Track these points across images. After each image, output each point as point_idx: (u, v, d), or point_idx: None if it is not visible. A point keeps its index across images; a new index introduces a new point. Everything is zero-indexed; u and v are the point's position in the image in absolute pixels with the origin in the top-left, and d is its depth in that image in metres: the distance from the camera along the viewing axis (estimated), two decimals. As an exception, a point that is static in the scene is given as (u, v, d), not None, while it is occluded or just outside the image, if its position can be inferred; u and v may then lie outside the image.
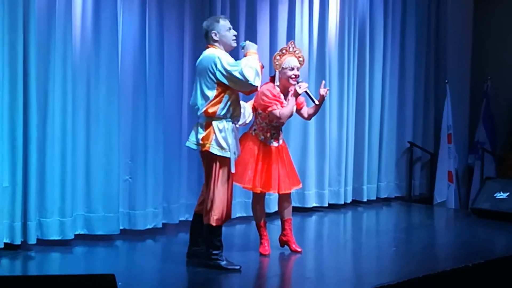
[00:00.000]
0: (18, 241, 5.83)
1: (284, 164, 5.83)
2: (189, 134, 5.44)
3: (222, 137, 5.25)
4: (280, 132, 5.88)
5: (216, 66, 5.22)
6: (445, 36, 9.85)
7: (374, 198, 8.95)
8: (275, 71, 5.75)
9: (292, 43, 5.90)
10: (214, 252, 5.37)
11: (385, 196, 9.13)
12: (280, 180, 5.76)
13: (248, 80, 5.20)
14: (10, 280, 3.61)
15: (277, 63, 5.75)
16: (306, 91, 5.70)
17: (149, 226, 6.68)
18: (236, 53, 6.03)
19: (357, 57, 8.61)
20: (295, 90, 5.65)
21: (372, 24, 8.84)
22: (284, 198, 5.94)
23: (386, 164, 9.10)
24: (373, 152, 8.85)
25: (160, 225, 6.78)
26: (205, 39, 5.48)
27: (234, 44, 5.46)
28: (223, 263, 5.36)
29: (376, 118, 8.89)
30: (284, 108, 5.65)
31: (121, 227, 6.50)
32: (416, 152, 9.51)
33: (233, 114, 5.35)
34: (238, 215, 7.39)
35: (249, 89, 5.34)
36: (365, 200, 8.73)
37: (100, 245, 6.17)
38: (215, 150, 5.25)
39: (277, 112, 5.63)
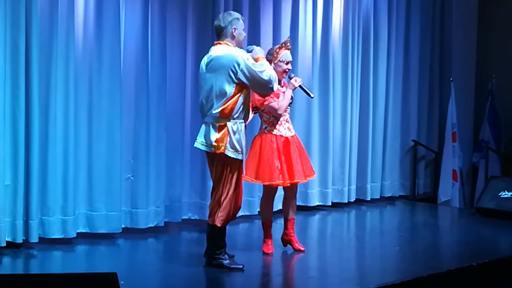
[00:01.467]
0: (20, 240, 5.83)
1: (300, 154, 5.90)
2: (197, 134, 5.37)
3: (236, 140, 5.21)
4: (289, 122, 5.93)
5: (239, 66, 5.15)
6: (449, 34, 9.81)
7: (378, 197, 8.92)
8: (271, 63, 5.70)
9: (289, 37, 6.08)
10: (217, 251, 5.35)
11: (389, 195, 9.09)
12: (300, 170, 5.81)
13: (271, 83, 5.23)
14: (12, 279, 3.61)
15: (275, 55, 5.81)
16: (300, 85, 5.85)
17: (151, 225, 6.66)
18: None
19: (361, 55, 8.58)
20: (292, 83, 5.80)
21: (376, 22, 8.81)
22: (290, 196, 5.95)
23: (390, 163, 9.07)
24: (377, 151, 8.81)
25: (162, 224, 6.76)
26: (217, 34, 5.37)
27: (243, 46, 5.44)
28: (226, 262, 5.34)
29: (380, 116, 8.86)
30: (281, 100, 5.74)
31: (123, 226, 6.48)
32: (420, 150, 9.48)
33: (246, 115, 5.33)
34: (241, 213, 7.36)
35: (268, 93, 5.37)
36: (368, 199, 8.71)
37: (102, 244, 6.17)
38: (230, 152, 5.20)
39: (275, 104, 5.71)
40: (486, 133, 9.87)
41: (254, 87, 5.26)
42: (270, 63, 5.67)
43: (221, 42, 5.33)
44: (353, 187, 8.55)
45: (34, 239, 5.89)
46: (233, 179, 5.26)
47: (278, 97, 5.74)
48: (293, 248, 5.97)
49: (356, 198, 8.60)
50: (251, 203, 7.47)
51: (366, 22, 8.70)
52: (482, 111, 10.02)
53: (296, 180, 5.79)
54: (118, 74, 6.38)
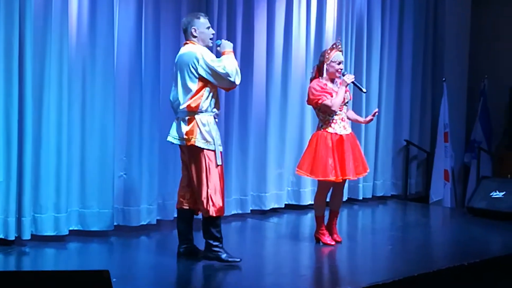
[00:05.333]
0: (12, 237, 5.82)
1: (355, 151, 6.12)
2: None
3: (206, 131, 5.35)
4: (346, 120, 6.15)
5: (198, 62, 5.31)
6: (442, 34, 9.85)
7: (370, 196, 8.94)
8: (323, 64, 6.09)
9: (339, 39, 6.50)
10: (215, 243, 5.41)
11: (381, 194, 9.12)
12: (351, 166, 6.03)
13: (230, 77, 5.33)
14: (3, 276, 3.60)
15: (327, 56, 6.09)
16: (353, 82, 6.09)
17: (143, 223, 6.67)
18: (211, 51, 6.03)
19: (354, 55, 8.60)
20: (344, 80, 6.03)
21: (369, 22, 8.83)
22: (337, 191, 6.23)
23: (382, 162, 9.10)
24: (369, 150, 8.84)
25: (154, 222, 6.76)
26: (184, 35, 5.56)
27: (211, 44, 5.56)
28: (224, 255, 5.41)
29: (372, 116, 8.87)
30: (334, 97, 5.99)
31: (115, 223, 6.48)
32: (413, 150, 9.51)
33: (214, 107, 5.45)
34: (233, 212, 7.38)
35: (230, 86, 5.47)
36: (360, 198, 8.73)
37: (95, 241, 6.16)
38: (200, 143, 5.34)
39: (328, 102, 5.97)
40: (478, 133, 9.92)
41: (216, 81, 5.38)
42: (323, 65, 6.08)
43: (187, 42, 5.52)
44: (345, 186, 8.55)
45: (27, 236, 5.89)
46: (212, 168, 5.36)
47: (331, 95, 5.98)
48: (333, 238, 6.21)
49: (348, 198, 8.62)
50: (243, 202, 7.51)
51: (359, 22, 8.73)
52: (474, 112, 10.07)
53: (347, 177, 6.03)
54: (112, 72, 6.38)
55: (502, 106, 10.10)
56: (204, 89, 5.36)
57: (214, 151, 5.38)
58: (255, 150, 7.65)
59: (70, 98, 6.20)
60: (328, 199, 6.39)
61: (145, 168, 6.65)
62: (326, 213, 6.29)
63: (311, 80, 6.18)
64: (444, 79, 9.60)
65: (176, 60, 5.50)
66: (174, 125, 5.48)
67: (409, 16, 9.32)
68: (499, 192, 7.91)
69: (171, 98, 5.52)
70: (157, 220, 6.82)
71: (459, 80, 10.07)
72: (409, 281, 5.16)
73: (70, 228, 6.25)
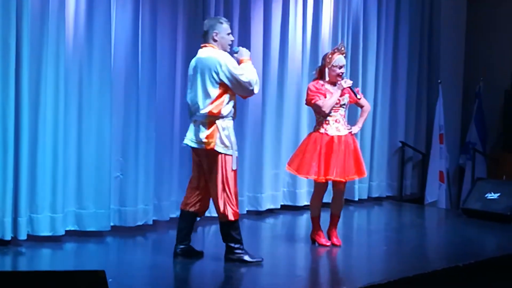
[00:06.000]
0: (8, 237, 5.82)
1: (345, 154, 6.06)
2: (186, 132, 5.51)
3: (225, 135, 5.37)
4: (341, 122, 6.12)
5: (221, 67, 5.32)
6: (438, 36, 9.87)
7: (366, 198, 8.96)
8: (325, 68, 6.10)
9: (343, 43, 6.45)
10: (236, 246, 5.47)
11: (377, 195, 9.13)
12: (338, 168, 6.01)
13: (251, 86, 5.38)
14: (0, 276, 3.60)
15: (328, 60, 6.12)
16: (350, 87, 6.11)
17: (139, 223, 6.67)
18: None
19: (350, 57, 8.61)
20: (340, 83, 6.06)
21: (365, 24, 8.85)
22: (337, 194, 6.22)
23: (377, 164, 9.11)
24: (365, 152, 8.83)
25: (150, 222, 6.77)
26: (202, 38, 5.55)
27: (228, 49, 5.55)
28: (246, 256, 5.47)
29: (368, 117, 8.83)
30: (327, 99, 6.02)
31: (112, 224, 6.49)
32: (408, 152, 9.53)
33: (233, 112, 5.48)
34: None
35: (248, 95, 5.52)
36: (356, 199, 8.74)
37: (91, 242, 6.16)
38: (219, 148, 5.36)
39: (320, 102, 6.02)
40: (473, 135, 9.95)
41: (236, 89, 5.41)
42: (324, 68, 6.09)
43: (206, 45, 5.51)
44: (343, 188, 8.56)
45: (23, 236, 5.89)
46: (228, 173, 5.39)
47: (325, 97, 6.02)
48: (331, 241, 6.23)
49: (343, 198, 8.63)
50: (241, 203, 7.50)
51: (355, 24, 8.75)
52: (470, 114, 10.10)
53: (329, 177, 6.02)
54: (108, 73, 6.38)
55: (497, 108, 10.12)
56: (225, 95, 5.37)
57: (232, 156, 5.41)
58: (251, 150, 7.66)
59: (66, 99, 6.20)
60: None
61: (141, 168, 6.65)
62: (323, 214, 6.30)
63: (313, 81, 6.20)
64: (439, 81, 9.63)
65: (194, 62, 5.49)
66: (192, 128, 5.46)
67: (405, 18, 9.34)
68: (494, 193, 7.93)
69: (189, 101, 5.49)
70: (153, 220, 6.83)
71: (454, 82, 10.10)
72: (404, 282, 5.17)
73: (67, 229, 6.25)
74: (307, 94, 6.12)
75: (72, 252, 6.01)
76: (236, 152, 5.47)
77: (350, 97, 6.22)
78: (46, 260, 5.81)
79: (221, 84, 5.34)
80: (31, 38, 5.91)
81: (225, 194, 5.39)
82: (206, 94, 5.35)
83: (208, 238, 6.69)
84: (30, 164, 5.95)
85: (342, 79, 6.09)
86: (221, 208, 5.40)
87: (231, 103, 5.43)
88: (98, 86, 6.33)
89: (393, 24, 9.22)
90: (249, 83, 5.37)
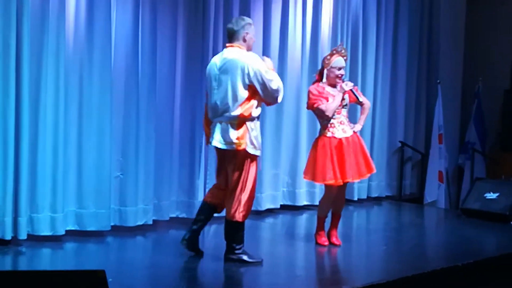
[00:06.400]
0: (8, 237, 5.82)
1: (355, 154, 6.09)
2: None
3: (254, 136, 5.39)
4: (346, 123, 6.13)
5: (253, 70, 5.32)
6: (437, 36, 9.88)
7: (365, 197, 8.97)
8: (324, 69, 6.11)
9: (342, 44, 6.34)
10: (238, 246, 5.47)
11: (376, 195, 9.14)
12: (353, 170, 6.05)
13: (278, 94, 5.42)
14: (0, 276, 3.60)
15: (327, 62, 6.12)
16: (351, 90, 6.11)
17: (139, 223, 6.68)
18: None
19: (349, 57, 8.61)
20: (342, 86, 6.04)
21: (365, 24, 8.86)
22: (339, 194, 6.20)
23: (377, 164, 9.03)
24: (364, 152, 8.85)
25: (150, 222, 6.78)
26: (229, 37, 5.52)
27: (252, 50, 5.56)
28: (246, 257, 5.47)
29: (368, 117, 8.83)
30: (330, 103, 6.00)
31: (112, 224, 6.49)
32: (407, 151, 9.54)
33: (260, 114, 5.50)
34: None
35: (273, 102, 5.53)
36: (355, 199, 8.75)
37: (91, 241, 6.16)
38: (250, 149, 5.37)
39: (323, 106, 5.99)
40: (472, 135, 9.96)
41: (263, 93, 5.40)
42: (323, 70, 6.11)
43: (233, 45, 5.48)
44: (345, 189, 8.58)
45: (23, 236, 5.89)
46: (251, 175, 5.43)
47: (328, 100, 6.00)
48: (330, 241, 6.24)
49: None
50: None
51: (355, 25, 8.75)
52: (469, 113, 10.11)
53: (347, 180, 6.05)
54: (109, 73, 6.39)
55: (496, 108, 10.14)
56: (254, 97, 5.38)
57: (258, 156, 5.46)
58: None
59: (66, 98, 6.21)
60: None
61: (141, 168, 6.66)
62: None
63: (313, 83, 6.19)
64: (438, 81, 9.64)
65: (220, 62, 5.44)
66: (218, 129, 5.41)
67: (404, 18, 9.35)
68: (493, 193, 7.94)
69: (217, 101, 5.41)
70: (153, 220, 6.83)
71: (453, 82, 10.11)
72: (403, 281, 5.17)
73: (67, 228, 6.25)
74: (309, 98, 6.09)
75: (72, 252, 6.01)
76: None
77: (350, 96, 6.21)
78: (46, 260, 5.81)
79: (250, 86, 5.33)
80: (31, 37, 5.91)
81: (241, 195, 5.40)
82: (235, 96, 5.33)
83: (208, 238, 6.69)
84: (30, 164, 5.96)
85: (342, 81, 6.07)
86: (233, 208, 5.41)
87: (259, 105, 5.44)
88: (98, 85, 6.34)
89: (392, 24, 9.23)
90: (277, 91, 5.39)
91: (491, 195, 7.93)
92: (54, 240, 6.07)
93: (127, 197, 6.61)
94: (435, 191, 9.46)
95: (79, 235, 6.29)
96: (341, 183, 6.04)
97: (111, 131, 6.43)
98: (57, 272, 3.72)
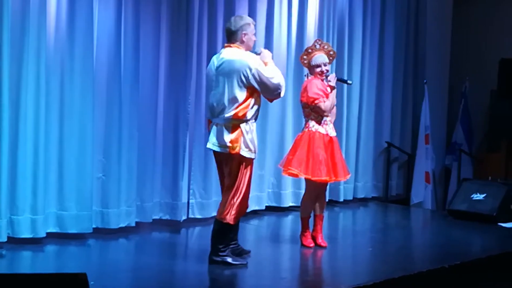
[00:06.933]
0: (-12, 239, 5.74)
1: (340, 153, 6.18)
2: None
3: (249, 139, 5.35)
4: (332, 123, 6.16)
5: (251, 71, 5.28)
6: (424, 36, 9.87)
7: (351, 198, 8.94)
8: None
9: (318, 41, 6.26)
10: (223, 248, 5.42)
11: (362, 196, 9.12)
12: (341, 168, 6.08)
13: (280, 90, 5.38)
14: (-22, 279, 3.55)
15: (305, 61, 6.17)
16: (338, 80, 6.14)
17: (122, 225, 6.60)
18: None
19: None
20: (329, 85, 6.06)
21: (351, 24, 8.84)
22: (320, 194, 6.22)
23: (363, 164, 9.10)
24: (350, 152, 8.83)
25: (133, 224, 6.70)
26: (228, 37, 5.50)
27: (251, 50, 5.52)
28: (230, 259, 5.43)
29: (354, 118, 8.88)
30: (327, 101, 6.02)
31: (94, 226, 6.41)
32: (394, 152, 9.52)
33: (257, 115, 5.46)
34: (213, 214, 7.32)
35: (276, 98, 5.51)
36: (341, 200, 8.72)
37: (72, 244, 6.10)
38: (244, 152, 5.33)
39: (322, 105, 5.99)
40: (459, 135, 9.97)
41: (264, 91, 5.38)
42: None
43: (231, 45, 5.45)
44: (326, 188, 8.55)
45: (3, 238, 5.79)
46: (246, 178, 5.40)
47: (327, 97, 6.02)
48: (316, 243, 6.16)
49: (329, 199, 8.55)
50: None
51: (340, 24, 8.73)
52: (455, 114, 10.12)
53: (339, 178, 6.11)
54: (91, 73, 6.31)
55: (483, 108, 10.15)
56: (250, 98, 5.34)
57: (253, 159, 5.42)
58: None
59: (47, 98, 6.12)
60: None
61: (124, 169, 6.58)
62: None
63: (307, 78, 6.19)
64: (425, 81, 9.63)
65: (218, 62, 5.41)
66: (214, 131, 5.40)
67: (390, 18, 9.34)
68: (480, 194, 7.93)
69: (214, 103, 5.39)
70: (136, 222, 6.76)
71: (440, 82, 10.12)
72: (389, 283, 5.16)
73: (48, 231, 6.17)
74: (309, 91, 6.00)
75: (53, 255, 5.94)
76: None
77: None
78: (26, 263, 5.74)
79: (249, 87, 5.30)
80: (12, 36, 5.81)
81: (235, 199, 5.36)
82: (233, 97, 5.29)
83: (191, 240, 6.64)
84: (10, 165, 5.86)
85: (326, 76, 6.07)
86: (226, 211, 5.37)
87: (256, 106, 5.40)
88: (80, 85, 6.26)
89: (378, 24, 9.22)
90: (278, 87, 5.36)
91: (478, 196, 7.92)
92: (34, 242, 5.99)
93: (109, 199, 6.53)
94: (421, 192, 9.45)
95: (60, 237, 6.21)
96: (333, 181, 6.10)
97: (93, 131, 6.35)
98: (37, 275, 3.71)
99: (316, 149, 5.96)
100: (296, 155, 6.00)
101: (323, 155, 5.95)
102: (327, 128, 6.06)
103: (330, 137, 6.06)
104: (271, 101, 5.68)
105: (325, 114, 6.03)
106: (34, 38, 5.96)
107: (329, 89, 6.05)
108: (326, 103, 5.99)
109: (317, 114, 6.04)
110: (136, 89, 6.68)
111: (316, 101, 5.98)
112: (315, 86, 6.00)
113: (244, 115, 5.31)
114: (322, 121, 6.05)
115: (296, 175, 6.07)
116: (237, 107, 5.29)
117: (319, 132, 6.02)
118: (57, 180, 6.26)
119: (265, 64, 5.42)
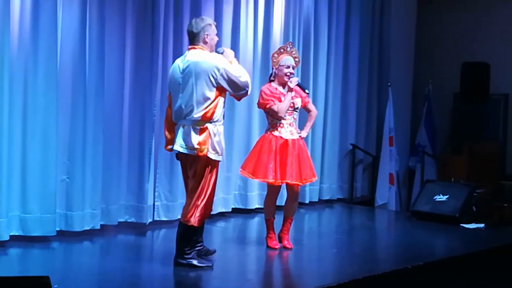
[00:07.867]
0: (-50, 242, 5.66)
1: (299, 157, 6.11)
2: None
3: (216, 142, 5.35)
4: (294, 126, 6.18)
5: (219, 71, 5.30)
6: (388, 40, 9.97)
7: (317, 200, 8.99)
8: (273, 68, 6.21)
9: (290, 44, 6.39)
10: (189, 251, 5.40)
11: (328, 197, 9.17)
12: (294, 172, 6.04)
13: (247, 87, 5.43)
14: None
15: (274, 60, 6.22)
16: (297, 84, 6.16)
17: (86, 228, 6.55)
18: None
19: (301, 59, 8.61)
20: (288, 86, 6.10)
21: (316, 26, 8.89)
22: (290, 197, 6.22)
23: (328, 166, 9.15)
24: (316, 154, 8.87)
25: (98, 227, 6.65)
26: (190, 39, 5.50)
27: (214, 50, 5.53)
28: (195, 261, 5.41)
29: (319, 120, 8.92)
30: (281, 103, 6.06)
31: (57, 228, 6.35)
32: (359, 154, 9.59)
33: (223, 117, 5.47)
34: (179, 216, 7.31)
35: (244, 96, 5.54)
36: (307, 201, 8.76)
37: (36, 247, 6.03)
38: (212, 154, 5.34)
39: (275, 107, 6.05)
40: (422, 137, 10.06)
41: (233, 90, 5.41)
42: (273, 68, 6.20)
43: (195, 47, 5.46)
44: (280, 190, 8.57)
45: (-35, 242, 5.74)
46: (211, 180, 5.40)
47: (280, 101, 6.05)
48: (282, 245, 6.19)
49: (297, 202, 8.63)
50: (225, 200, 7.64)
51: (306, 27, 8.78)
52: (419, 116, 10.22)
53: (286, 180, 6.03)
54: (54, 74, 6.25)
55: (446, 110, 10.28)
56: (218, 98, 5.35)
57: (219, 162, 5.42)
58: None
59: (11, 99, 6.04)
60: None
61: (88, 171, 6.53)
62: (279, 217, 6.27)
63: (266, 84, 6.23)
64: (389, 84, 9.72)
65: (184, 65, 5.39)
66: (181, 133, 5.37)
67: (355, 21, 9.41)
68: (443, 195, 8.02)
69: (182, 105, 5.36)
70: (101, 225, 6.71)
71: (404, 85, 10.21)
72: (354, 284, 5.19)
73: (11, 233, 6.09)
74: (261, 97, 6.12)
75: (17, 258, 5.87)
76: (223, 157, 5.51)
77: (302, 101, 6.25)
78: (-11, 266, 5.65)
79: (217, 88, 5.32)
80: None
81: (199, 200, 5.35)
82: (202, 98, 5.29)
83: (157, 242, 6.61)
84: (-28, 167, 5.79)
85: (289, 78, 6.11)
86: (190, 213, 5.36)
87: (222, 106, 5.41)
88: (44, 86, 6.19)
89: (343, 27, 9.29)
90: (246, 84, 5.41)
91: (441, 198, 8.01)
92: (-3, 245, 5.92)
93: (74, 201, 6.47)
94: (386, 194, 9.53)
95: (23, 240, 6.14)
96: (280, 183, 6.07)
97: (57, 132, 6.29)
98: (0, 278, 3.64)
99: (264, 151, 6.04)
100: (249, 158, 6.18)
101: (272, 158, 6.00)
102: (282, 131, 6.09)
103: (285, 139, 6.07)
104: (239, 99, 5.71)
105: (279, 115, 6.05)
106: (-3, 40, 5.89)
107: (285, 90, 6.10)
108: (280, 105, 6.03)
109: (272, 117, 6.11)
110: (101, 91, 6.63)
111: (267, 105, 6.06)
112: (267, 91, 6.10)
113: (212, 115, 5.32)
114: (278, 124, 6.09)
115: (248, 176, 6.21)
116: (205, 108, 5.29)
117: (272, 135, 6.09)
118: (20, 183, 6.19)
119: (229, 62, 5.45)
